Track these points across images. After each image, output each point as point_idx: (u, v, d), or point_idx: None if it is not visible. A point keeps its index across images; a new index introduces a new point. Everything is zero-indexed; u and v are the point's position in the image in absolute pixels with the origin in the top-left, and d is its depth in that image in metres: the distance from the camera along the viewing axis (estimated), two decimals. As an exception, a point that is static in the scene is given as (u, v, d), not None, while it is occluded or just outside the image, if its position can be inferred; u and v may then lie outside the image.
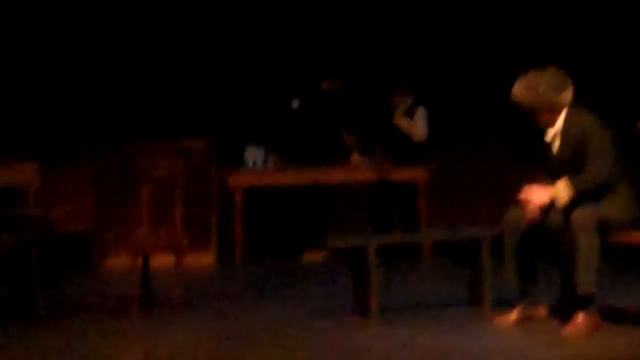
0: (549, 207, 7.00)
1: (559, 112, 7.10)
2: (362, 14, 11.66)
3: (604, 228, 6.88)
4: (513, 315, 7.20)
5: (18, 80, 10.84)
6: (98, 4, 11.08)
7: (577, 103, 7.13)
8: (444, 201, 11.17)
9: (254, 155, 10.73)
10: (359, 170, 10.75)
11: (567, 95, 7.08)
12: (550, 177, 7.14)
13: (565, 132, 7.09)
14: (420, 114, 10.87)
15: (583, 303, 6.84)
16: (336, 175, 10.74)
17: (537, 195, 7.02)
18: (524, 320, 7.16)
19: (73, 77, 10.99)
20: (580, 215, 6.87)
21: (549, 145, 7.17)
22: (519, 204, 7.15)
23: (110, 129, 10.92)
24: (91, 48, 11.04)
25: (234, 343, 6.94)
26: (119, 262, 10.29)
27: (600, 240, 6.86)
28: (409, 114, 10.89)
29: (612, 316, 6.94)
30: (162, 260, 8.90)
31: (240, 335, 7.15)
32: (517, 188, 7.17)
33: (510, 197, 7.26)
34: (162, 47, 11.19)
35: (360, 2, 11.65)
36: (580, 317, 6.83)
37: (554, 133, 7.13)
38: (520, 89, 7.04)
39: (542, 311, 7.26)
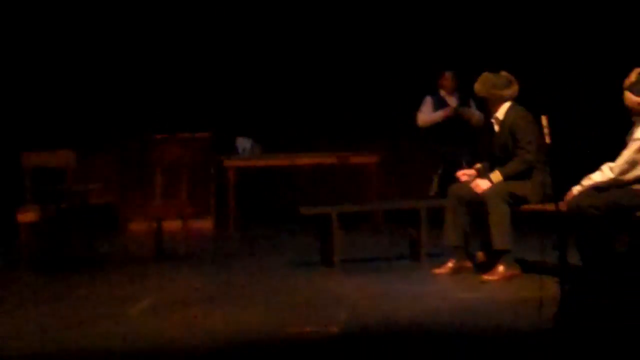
0: None
1: (500, 104, 7.10)
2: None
3: (513, 201, 6.89)
4: (446, 267, 7.19)
5: (59, 80, 10.75)
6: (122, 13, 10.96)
7: (519, 100, 7.14)
8: (397, 177, 11.12)
9: (243, 144, 10.71)
10: (323, 155, 10.67)
11: (508, 92, 7.08)
12: (489, 158, 7.22)
13: (502, 122, 7.10)
14: (473, 102, 9.70)
15: (499, 256, 6.84)
16: (306, 159, 10.68)
17: (479, 184, 7.02)
18: (455, 271, 7.15)
19: (105, 79, 10.91)
20: (492, 188, 6.90)
21: (492, 131, 7.19)
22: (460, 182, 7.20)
23: (132, 123, 10.86)
24: (119, 56, 10.95)
25: (227, 286, 6.94)
26: (139, 226, 10.27)
27: (509, 209, 6.86)
28: (464, 103, 9.82)
29: (527, 267, 6.94)
30: (172, 225, 8.88)
31: (232, 281, 7.15)
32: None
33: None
34: (175, 60, 11.11)
35: None
36: (499, 267, 6.84)
37: (496, 122, 7.15)
38: (477, 83, 7.13)
39: (469, 264, 7.25)
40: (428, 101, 9.83)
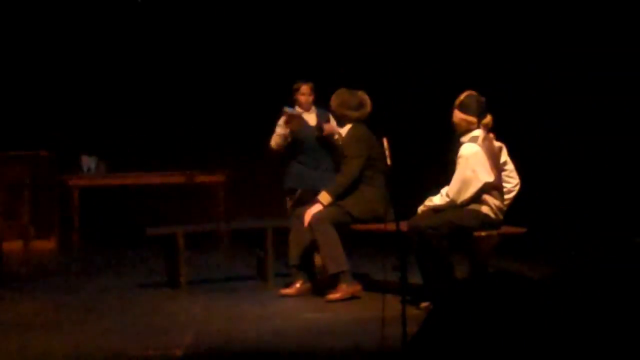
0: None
1: (345, 123, 7.24)
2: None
3: (341, 220, 7.00)
4: (293, 287, 7.22)
5: None
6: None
7: (365, 121, 7.25)
8: (243, 197, 11.14)
9: (87, 162, 10.54)
10: (170, 174, 10.61)
11: (356, 114, 7.20)
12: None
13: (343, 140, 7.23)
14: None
15: (336, 279, 6.94)
16: (154, 178, 10.60)
17: (310, 211, 7.04)
18: (301, 291, 7.19)
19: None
20: (315, 217, 6.97)
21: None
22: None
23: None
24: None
25: (69, 309, 6.80)
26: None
27: (336, 231, 6.92)
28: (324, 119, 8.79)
29: (369, 286, 7.07)
30: (13, 245, 8.64)
31: (74, 304, 7.01)
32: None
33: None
34: (17, 75, 10.83)
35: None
36: (341, 285, 6.93)
37: (340, 139, 7.30)
38: (332, 97, 7.28)
39: (314, 284, 7.29)
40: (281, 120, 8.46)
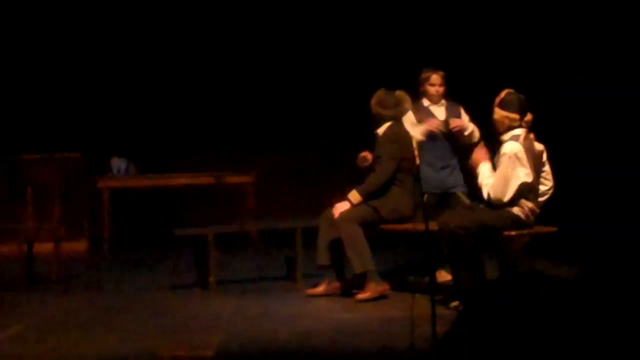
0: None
1: (382, 122, 7.15)
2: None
3: (372, 221, 6.99)
4: (321, 287, 7.23)
5: None
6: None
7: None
8: (273, 198, 11.16)
9: (117, 164, 10.61)
10: (199, 175, 10.67)
11: (391, 112, 7.13)
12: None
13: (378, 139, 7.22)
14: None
15: (362, 278, 6.93)
16: (183, 180, 10.66)
17: (338, 207, 7.08)
18: (328, 291, 7.21)
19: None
20: (342, 215, 6.97)
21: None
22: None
23: (0, 142, 10.60)
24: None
25: (100, 310, 6.85)
26: (8, 249, 9.99)
27: (361, 229, 6.91)
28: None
29: (398, 285, 7.08)
30: (44, 247, 8.70)
31: (105, 305, 7.06)
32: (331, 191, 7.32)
33: (326, 197, 7.36)
34: (46, 77, 10.93)
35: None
36: (369, 285, 6.93)
37: (377, 139, 7.23)
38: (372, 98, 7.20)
39: (342, 284, 7.30)
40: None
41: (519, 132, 6.42)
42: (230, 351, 5.47)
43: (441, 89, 7.43)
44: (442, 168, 7.46)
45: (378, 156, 7.12)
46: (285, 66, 11.25)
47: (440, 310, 5.56)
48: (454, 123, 7.28)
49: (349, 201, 7.03)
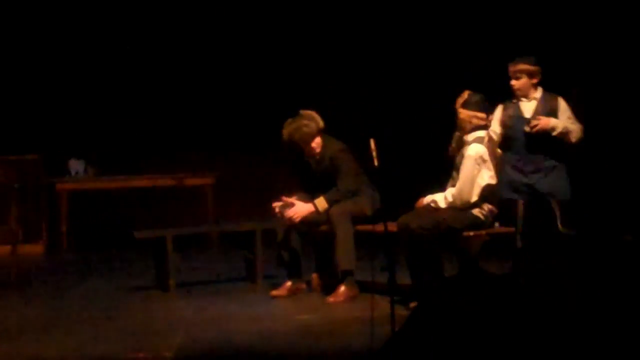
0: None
1: (313, 140, 7.18)
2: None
3: (354, 219, 7.06)
4: (283, 288, 7.26)
5: None
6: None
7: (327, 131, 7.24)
8: (232, 199, 11.16)
9: (75, 166, 10.57)
10: (159, 177, 10.65)
11: (318, 126, 7.18)
12: (308, 187, 7.27)
13: (321, 153, 7.23)
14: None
15: (344, 277, 6.98)
16: (142, 181, 10.64)
17: (298, 209, 7.12)
18: (291, 292, 7.25)
19: None
20: (336, 209, 7.03)
21: (310, 165, 7.30)
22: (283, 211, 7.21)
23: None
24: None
25: (59, 313, 6.82)
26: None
27: (354, 228, 7.01)
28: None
29: (365, 287, 7.12)
30: (1, 250, 8.65)
31: (64, 308, 7.03)
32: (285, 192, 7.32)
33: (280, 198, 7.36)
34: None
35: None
36: (341, 288, 6.97)
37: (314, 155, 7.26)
38: (285, 131, 7.19)
39: (303, 285, 7.37)
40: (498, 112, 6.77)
41: (483, 134, 6.50)
42: (191, 353, 5.47)
43: (517, 83, 6.59)
44: (533, 172, 6.62)
45: (338, 171, 7.16)
46: (245, 68, 11.27)
47: (400, 310, 5.62)
48: (533, 122, 6.50)
49: (315, 206, 7.10)
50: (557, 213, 6.56)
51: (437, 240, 6.32)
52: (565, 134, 6.54)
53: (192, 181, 10.66)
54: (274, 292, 7.25)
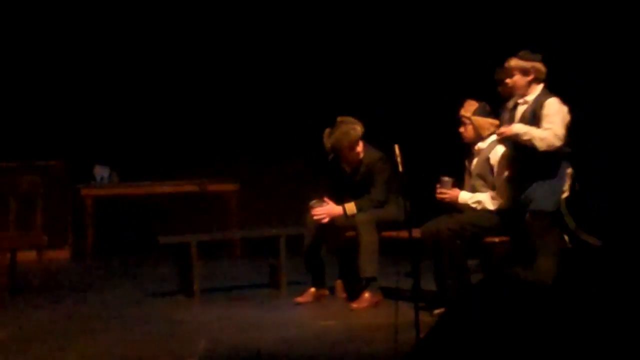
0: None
1: (357, 147, 7.16)
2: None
3: (379, 226, 7.06)
4: (307, 295, 7.27)
5: None
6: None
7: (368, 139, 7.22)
8: (256, 206, 11.18)
9: (100, 172, 10.62)
10: (182, 183, 10.69)
11: (359, 133, 7.13)
12: (337, 192, 7.28)
13: (361, 160, 7.21)
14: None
15: (367, 284, 6.98)
16: (166, 188, 10.68)
17: (328, 209, 7.14)
18: (315, 298, 7.26)
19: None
20: (362, 217, 7.04)
21: (343, 171, 7.30)
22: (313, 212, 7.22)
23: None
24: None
25: (84, 319, 6.86)
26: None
27: (379, 236, 7.01)
28: None
29: (389, 293, 7.11)
30: (27, 256, 8.70)
31: (89, 313, 7.07)
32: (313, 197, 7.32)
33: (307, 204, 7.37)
34: (29, 83, 10.93)
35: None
36: (365, 295, 6.97)
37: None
38: (330, 141, 7.11)
39: (327, 291, 7.39)
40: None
41: (495, 137, 6.53)
42: (215, 359, 5.49)
43: (510, 81, 6.18)
44: (526, 182, 6.18)
45: (373, 180, 7.16)
46: (270, 74, 11.30)
47: (424, 317, 5.61)
48: (498, 131, 6.22)
49: (344, 209, 7.11)
50: (532, 222, 6.06)
51: (463, 245, 6.30)
52: (528, 140, 6.00)
53: (216, 187, 10.68)
54: (298, 299, 7.26)
